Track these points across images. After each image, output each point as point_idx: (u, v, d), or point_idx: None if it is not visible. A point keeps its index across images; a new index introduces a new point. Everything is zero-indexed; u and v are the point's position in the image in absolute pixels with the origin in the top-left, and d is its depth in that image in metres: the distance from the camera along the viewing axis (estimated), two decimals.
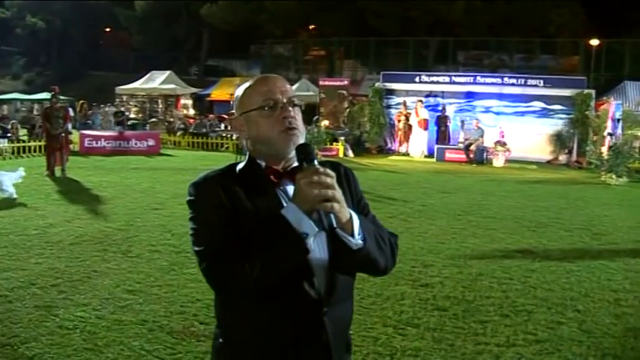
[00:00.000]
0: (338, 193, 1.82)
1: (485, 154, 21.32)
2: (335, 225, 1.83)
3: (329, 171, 1.83)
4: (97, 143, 21.33)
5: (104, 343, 4.77)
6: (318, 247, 1.91)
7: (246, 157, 2.05)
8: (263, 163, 2.00)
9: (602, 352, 4.89)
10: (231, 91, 34.42)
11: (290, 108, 1.98)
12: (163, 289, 6.14)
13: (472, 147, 21.39)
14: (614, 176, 16.78)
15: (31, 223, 9.10)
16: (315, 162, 1.86)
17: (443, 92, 23.99)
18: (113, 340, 4.84)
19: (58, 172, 14.66)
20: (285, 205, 1.87)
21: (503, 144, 21.23)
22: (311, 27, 46.06)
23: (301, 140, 1.97)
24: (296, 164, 1.94)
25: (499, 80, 23.87)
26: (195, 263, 6.44)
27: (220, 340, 2.04)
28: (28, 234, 8.37)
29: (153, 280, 6.43)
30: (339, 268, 1.97)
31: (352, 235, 1.87)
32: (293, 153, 1.95)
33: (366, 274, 2.14)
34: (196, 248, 1.90)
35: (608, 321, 5.61)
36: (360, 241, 1.89)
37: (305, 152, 1.89)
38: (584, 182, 17.04)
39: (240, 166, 2.04)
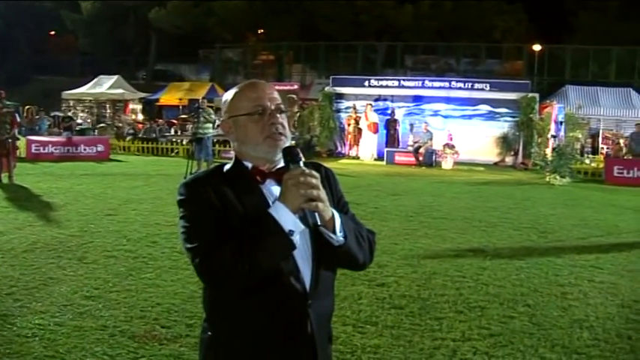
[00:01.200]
0: (322, 192, 1.96)
1: (434, 157, 21.69)
2: (319, 223, 1.97)
3: (314, 172, 1.96)
4: (44, 149, 20.88)
5: (65, 350, 4.74)
6: (303, 244, 2.02)
7: (233, 158, 2.16)
8: (249, 165, 2.10)
9: (551, 342, 5.13)
10: (179, 95, 34.14)
11: (277, 115, 2.10)
12: (122, 295, 6.12)
13: (421, 150, 21.76)
14: (557, 177, 17.32)
15: None
16: (301, 163, 1.98)
17: (392, 96, 24.26)
18: (74, 346, 4.81)
19: (5, 179, 14.29)
20: (271, 204, 1.98)
21: (452, 147, 21.66)
22: (260, 31, 46.01)
23: (287, 144, 2.08)
24: (281, 165, 2.06)
25: (447, 84, 24.29)
26: (153, 268, 6.45)
27: (209, 333, 2.12)
28: None
29: (111, 286, 6.39)
30: (322, 263, 2.09)
31: (334, 233, 2.01)
32: (278, 157, 2.07)
33: (346, 269, 2.26)
34: (188, 245, 1.99)
35: (556, 314, 5.88)
36: (342, 238, 2.02)
37: (291, 154, 2.01)
38: (529, 183, 17.57)
39: (227, 168, 2.14)
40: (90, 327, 5.21)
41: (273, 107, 2.09)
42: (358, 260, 2.14)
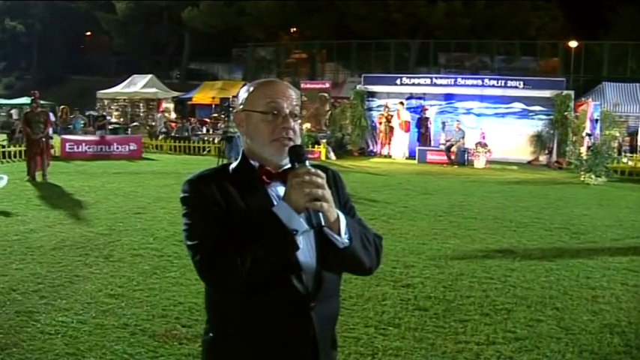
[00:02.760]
0: (327, 193, 1.90)
1: (466, 156, 21.46)
2: (323, 224, 1.90)
3: (320, 172, 1.91)
4: (78, 148, 21.19)
5: (86, 348, 4.76)
6: (306, 245, 1.98)
7: (239, 156, 2.11)
8: (256, 164, 2.06)
9: (579, 348, 4.97)
10: (212, 94, 34.48)
11: (290, 119, 2.05)
12: (145, 293, 6.14)
13: (453, 148, 21.53)
14: (593, 176, 16.95)
15: (12, 228, 9.03)
16: (307, 163, 1.93)
17: (424, 94, 24.11)
18: (95, 344, 4.83)
19: (38, 177, 14.57)
20: (275, 203, 1.93)
21: (484, 145, 21.39)
22: (292, 30, 46.13)
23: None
24: (287, 166, 2.01)
25: (479, 82, 24.00)
26: (178, 266, 6.44)
27: (210, 335, 2.09)
28: (9, 239, 8.30)
29: (135, 284, 6.42)
30: (326, 265, 2.03)
31: (339, 234, 1.95)
32: (284, 160, 2.02)
33: (351, 273, 2.21)
34: (190, 243, 1.95)
35: (585, 318, 5.70)
36: (347, 241, 1.96)
37: (297, 153, 1.96)
38: (563, 182, 17.23)
39: (233, 166, 2.10)
40: (111, 325, 5.23)
41: (287, 111, 2.05)
42: (364, 264, 2.08)
